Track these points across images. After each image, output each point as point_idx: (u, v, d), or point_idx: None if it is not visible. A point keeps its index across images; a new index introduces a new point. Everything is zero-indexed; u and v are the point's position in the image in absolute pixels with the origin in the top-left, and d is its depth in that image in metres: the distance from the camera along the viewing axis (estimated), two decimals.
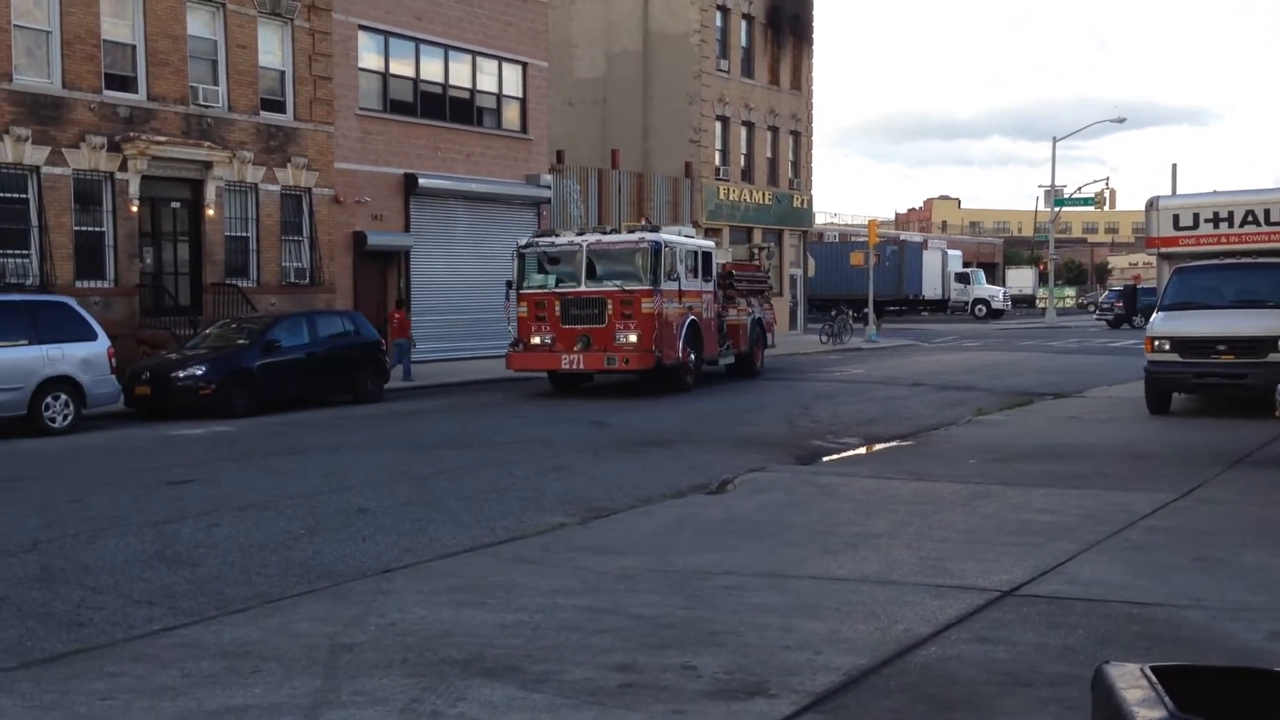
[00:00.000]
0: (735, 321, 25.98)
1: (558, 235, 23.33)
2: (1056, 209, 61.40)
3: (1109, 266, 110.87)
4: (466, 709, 5.37)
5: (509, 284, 23.28)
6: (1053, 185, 59.87)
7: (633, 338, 21.55)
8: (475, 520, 10.20)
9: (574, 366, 21.86)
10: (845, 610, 6.96)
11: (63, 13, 22.69)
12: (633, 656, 6.11)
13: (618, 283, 21.82)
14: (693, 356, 23.09)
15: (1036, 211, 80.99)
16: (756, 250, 33.89)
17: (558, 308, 22.04)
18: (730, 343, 25.68)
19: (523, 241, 23.36)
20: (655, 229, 23.35)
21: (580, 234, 23.02)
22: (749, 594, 7.38)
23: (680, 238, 23.63)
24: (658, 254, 21.90)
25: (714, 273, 24.68)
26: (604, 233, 23.04)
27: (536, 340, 22.17)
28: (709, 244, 25.61)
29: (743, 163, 43.14)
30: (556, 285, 22.32)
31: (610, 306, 21.75)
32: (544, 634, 6.54)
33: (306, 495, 11.57)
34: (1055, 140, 59.47)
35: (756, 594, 7.38)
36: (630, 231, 23.11)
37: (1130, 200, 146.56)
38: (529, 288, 22.51)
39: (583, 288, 22.06)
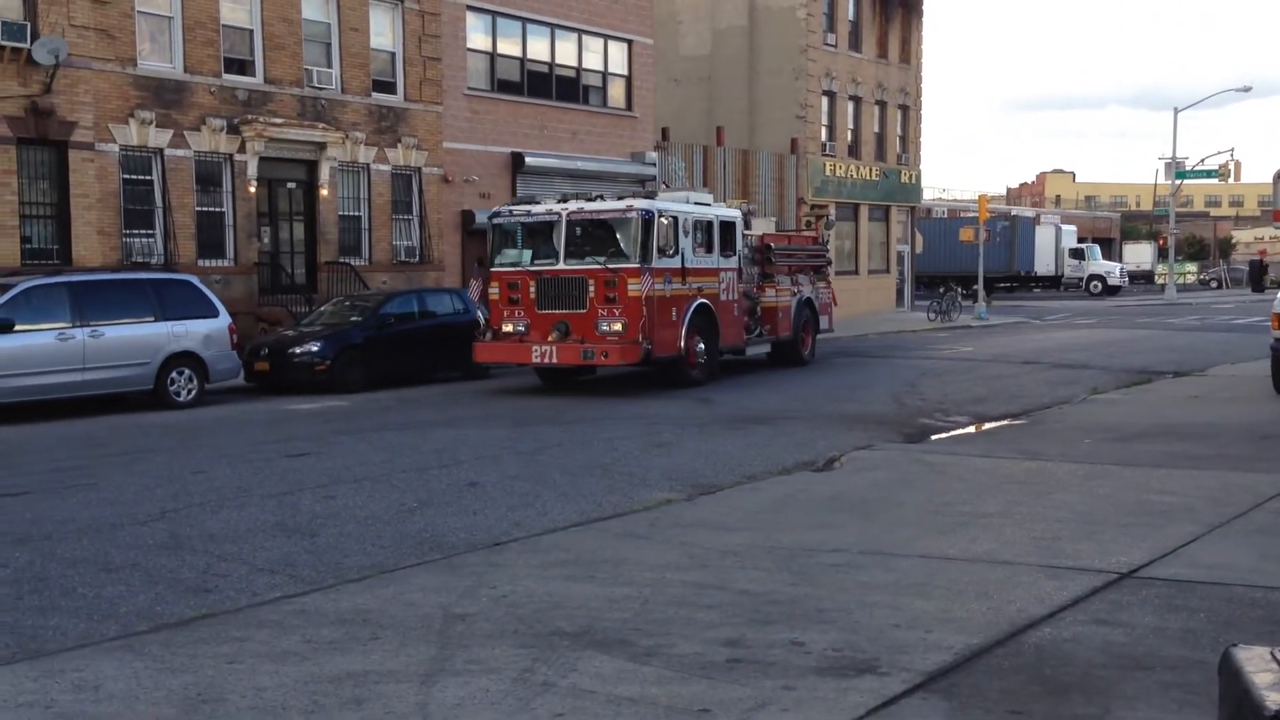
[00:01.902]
0: (773, 304, 22.68)
1: (536, 203, 19.78)
2: (1177, 181, 59.46)
3: (1233, 241, 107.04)
4: (577, 680, 5.45)
5: (479, 261, 20.28)
6: (1174, 157, 57.98)
7: (618, 326, 18.17)
8: (582, 495, 10.30)
9: (546, 360, 18.58)
10: (956, 589, 6.87)
11: None
12: (741, 632, 6.12)
13: (601, 260, 18.45)
14: (701, 346, 19.71)
15: (1156, 185, 78.62)
16: (813, 219, 29.73)
17: (533, 289, 18.80)
18: (766, 328, 22.43)
19: (496, 210, 20.33)
20: (651, 195, 19.88)
21: (563, 201, 19.40)
22: (857, 572, 7.34)
23: (687, 205, 20.01)
24: (649, 225, 18.42)
25: (738, 246, 21.11)
26: (589, 200, 19.32)
27: (508, 328, 18.99)
28: (731, 212, 21.60)
29: (849, 138, 42.60)
30: (532, 263, 19.00)
31: (592, 288, 18.37)
32: (652, 608, 6.59)
33: (418, 469, 11.79)
34: (1177, 111, 57.70)
35: (865, 572, 7.34)
36: (620, 199, 19.49)
37: (1256, 172, 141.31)
38: (501, 265, 19.25)
39: (561, 266, 18.66)
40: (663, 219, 18.69)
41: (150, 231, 23.12)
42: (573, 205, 18.97)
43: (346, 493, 10.53)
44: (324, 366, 19.71)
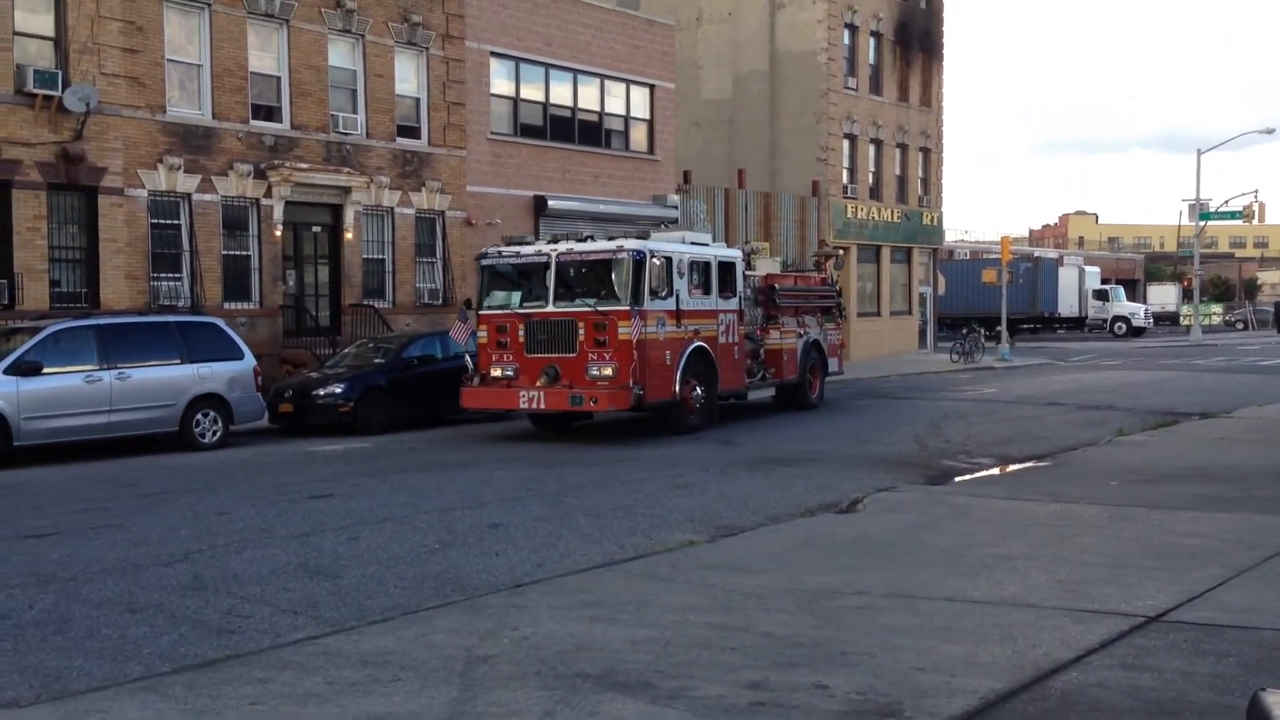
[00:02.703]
0: (777, 346, 22.03)
1: (526, 243, 19.28)
2: (1201, 223, 59.22)
3: (1258, 282, 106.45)
4: None
5: (467, 303, 19.98)
6: (1197, 199, 57.76)
7: (608, 371, 17.59)
8: (605, 536, 10.30)
9: (534, 406, 18.04)
10: (981, 633, 6.81)
11: (213, 47, 23.71)
12: (764, 674, 6.08)
13: (591, 302, 17.97)
14: (699, 390, 19.09)
15: (1180, 226, 78.36)
16: (822, 259, 27.95)
17: (521, 332, 18.30)
18: (770, 371, 21.84)
19: (484, 250, 19.86)
20: (643, 235, 19.09)
21: (552, 242, 18.95)
22: (881, 614, 7.29)
23: (681, 245, 19.29)
24: (640, 266, 17.80)
25: (738, 287, 20.49)
26: (579, 240, 18.87)
27: (497, 372, 18.45)
28: (731, 252, 20.98)
29: (871, 180, 42.72)
30: (521, 305, 18.58)
31: (582, 331, 17.84)
32: (675, 650, 6.55)
33: (441, 510, 11.81)
34: (1200, 152, 57.38)
35: (888, 614, 7.28)
36: (611, 239, 18.79)
37: None
38: (489, 307, 18.83)
39: (550, 308, 18.16)
40: (655, 259, 18.07)
41: (177, 275, 23.34)
42: (562, 246, 18.52)
43: (369, 534, 10.55)
44: (347, 408, 19.78)
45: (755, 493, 12.77)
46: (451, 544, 10.08)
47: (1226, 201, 59.64)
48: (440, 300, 28.03)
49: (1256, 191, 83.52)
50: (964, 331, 40.79)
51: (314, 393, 20.00)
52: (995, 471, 14.56)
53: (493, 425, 20.93)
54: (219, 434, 18.23)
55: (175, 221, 23.38)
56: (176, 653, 6.93)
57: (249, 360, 18.91)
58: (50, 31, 21.65)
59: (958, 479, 13.88)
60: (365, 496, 12.83)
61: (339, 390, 19.93)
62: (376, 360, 21.24)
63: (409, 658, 6.53)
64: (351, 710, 5.65)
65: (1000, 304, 42.23)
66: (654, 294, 18.03)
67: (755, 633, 6.89)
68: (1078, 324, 64.75)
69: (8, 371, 16.28)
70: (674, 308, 18.48)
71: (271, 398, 19.98)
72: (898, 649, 6.52)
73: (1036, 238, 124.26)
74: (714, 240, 29.86)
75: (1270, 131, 57.91)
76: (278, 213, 24.64)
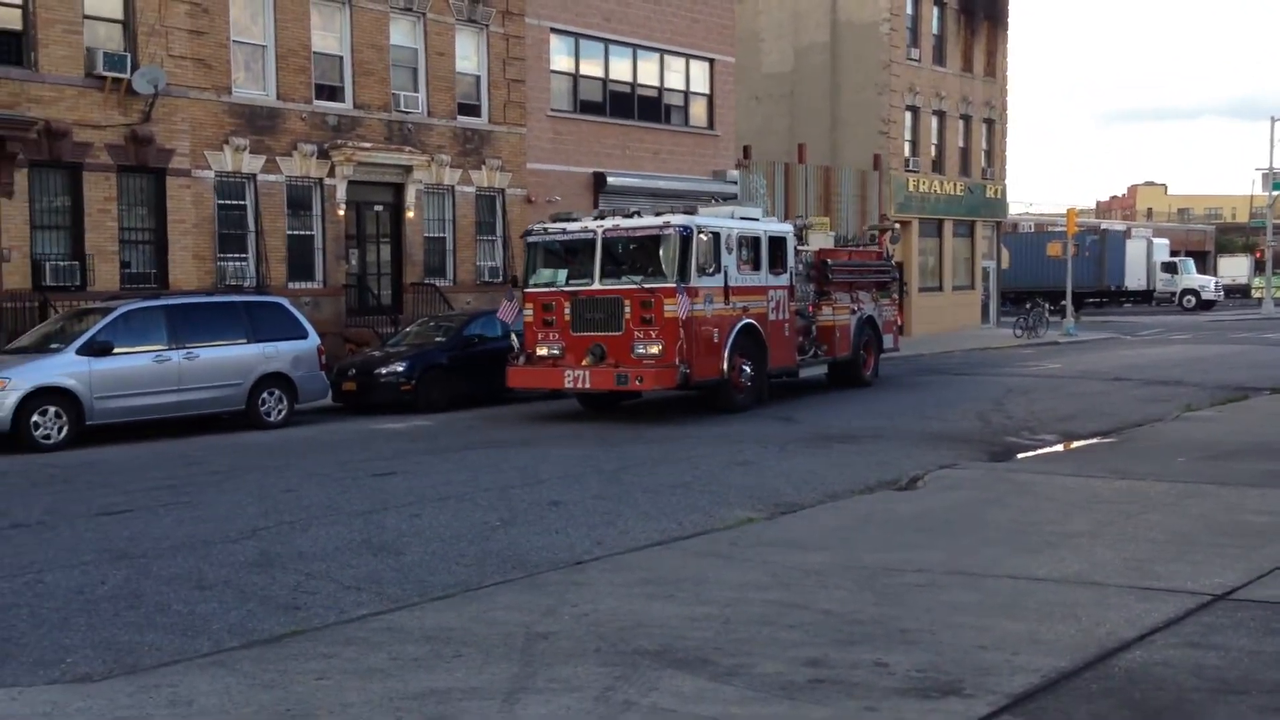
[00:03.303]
0: (830, 323, 21.76)
1: (572, 219, 19.06)
2: (1275, 192, 57.81)
3: None
4: (658, 699, 5.45)
5: (514, 281, 19.62)
6: (1270, 167, 56.42)
7: (654, 349, 17.35)
8: (663, 514, 10.32)
9: (579, 385, 17.84)
10: (1044, 611, 6.75)
11: (277, 28, 23.95)
12: (823, 651, 6.08)
13: (637, 279, 17.69)
14: (747, 369, 18.83)
15: (1252, 196, 76.53)
16: (877, 233, 27.26)
17: (567, 310, 18.08)
18: (822, 348, 21.59)
19: (530, 227, 19.67)
20: (691, 210, 18.69)
21: (598, 218, 18.70)
22: (941, 592, 7.25)
23: (730, 220, 19.09)
24: (687, 242, 17.54)
25: (789, 263, 20.11)
26: (625, 216, 18.54)
27: (543, 351, 18.28)
28: (782, 227, 20.76)
29: (933, 153, 42.18)
30: (567, 283, 18.30)
31: (628, 309, 17.59)
32: (733, 627, 6.57)
33: (501, 488, 11.89)
34: (1274, 120, 56.05)
35: (949, 592, 7.24)
36: (658, 215, 18.38)
37: None
38: (536, 285, 18.62)
39: (596, 286, 17.92)
40: (702, 235, 17.77)
41: (243, 255, 23.69)
42: (609, 222, 18.27)
43: (431, 511, 10.66)
44: (409, 386, 19.97)
45: (814, 469, 12.72)
46: (512, 521, 10.15)
47: None
48: (500, 278, 28.17)
49: None
50: (1028, 306, 40.24)
51: (376, 371, 20.21)
52: (1059, 448, 14.41)
53: (551, 403, 21.03)
54: (284, 412, 18.49)
55: (241, 202, 23.71)
56: (244, 628, 7.07)
57: (313, 339, 19.13)
58: (119, 14, 21.99)
59: (1021, 455, 13.74)
60: (427, 474, 12.96)
61: (401, 369, 20.12)
62: (437, 339, 21.39)
63: (470, 634, 6.60)
64: (414, 685, 5.74)
65: (1065, 278, 41.57)
66: (701, 270, 17.76)
67: (814, 610, 6.89)
68: (1145, 297, 63.54)
69: (80, 352, 16.63)
70: (722, 284, 18.20)
71: (335, 376, 20.22)
72: (959, 626, 6.49)
73: (1103, 210, 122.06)
74: (774, 215, 29.64)
75: None
76: (341, 192, 24.89)
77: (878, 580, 7.58)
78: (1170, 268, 63.62)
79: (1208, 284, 64.53)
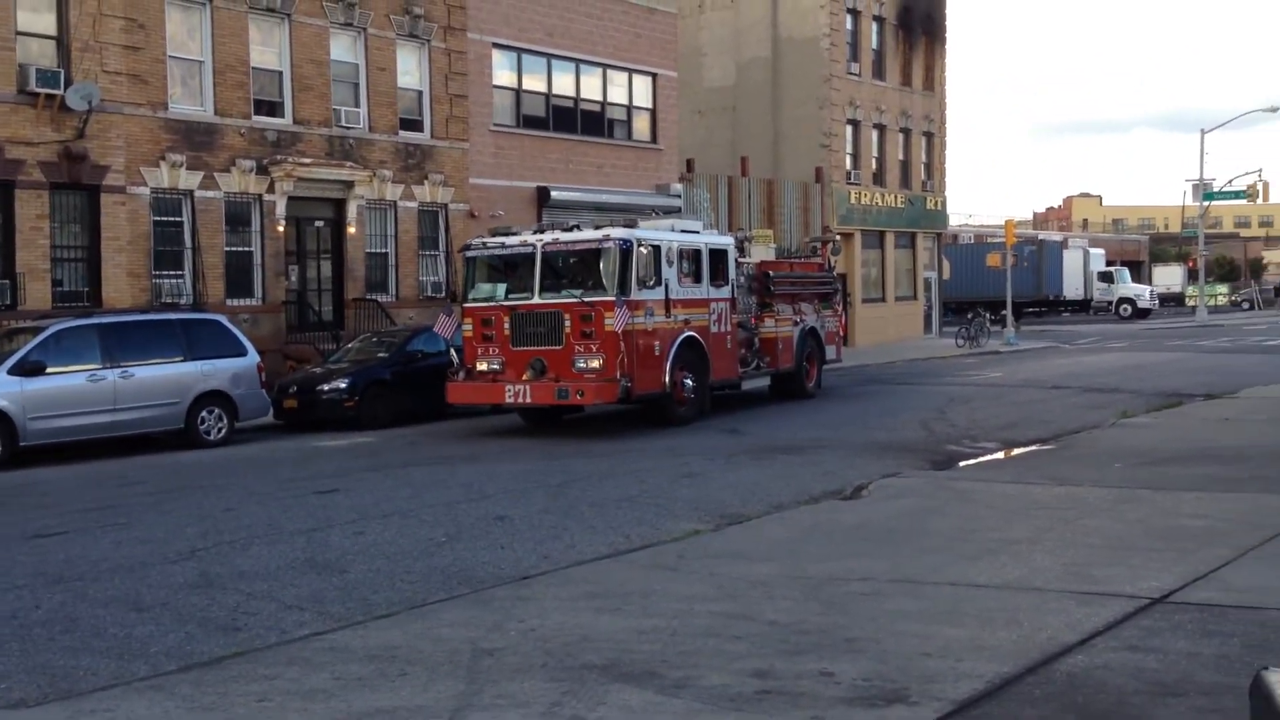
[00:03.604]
0: (772, 334, 21.81)
1: (512, 233, 19.06)
2: (1205, 203, 59.10)
3: (1264, 262, 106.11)
4: (606, 713, 5.43)
5: (452, 296, 19.48)
6: (1201, 178, 57.64)
7: (595, 363, 17.33)
8: (609, 528, 10.30)
9: (519, 400, 17.82)
10: (986, 617, 6.82)
11: (215, 43, 23.70)
12: (770, 662, 6.09)
13: (577, 293, 17.71)
14: (689, 382, 18.79)
15: (1184, 206, 78.08)
16: (818, 245, 27.32)
17: (507, 325, 18.03)
18: (765, 360, 21.60)
19: (468, 242, 19.66)
20: (631, 223, 18.62)
21: (538, 232, 18.84)
22: (886, 600, 7.30)
23: (671, 233, 19.06)
24: (627, 255, 17.51)
25: (731, 275, 20.17)
26: (565, 230, 18.59)
27: (483, 366, 18.22)
28: (722, 239, 20.76)
29: (874, 166, 42.62)
30: (506, 297, 18.26)
31: (568, 323, 17.56)
32: (681, 640, 6.56)
33: (446, 503, 11.83)
34: (1204, 132, 57.31)
35: (893, 600, 7.29)
36: (598, 228, 18.42)
37: None
38: (475, 300, 18.56)
39: (535, 300, 17.87)
40: (642, 248, 17.76)
41: (180, 272, 23.36)
42: (548, 236, 18.31)
43: (375, 528, 10.57)
44: (352, 403, 19.81)
45: (759, 481, 12.77)
46: (457, 537, 10.09)
47: (1231, 181, 59.56)
48: (443, 293, 28.02)
49: (1260, 170, 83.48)
50: (969, 316, 40.74)
51: (318, 388, 20.03)
52: (1000, 456, 14.56)
53: (496, 419, 20.94)
54: (224, 431, 18.26)
55: (178, 219, 23.39)
56: (183, 650, 6.94)
57: (252, 356, 18.93)
58: (52, 30, 21.65)
59: (963, 464, 13.89)
60: (370, 491, 12.85)
61: (343, 385, 19.95)
62: (380, 355, 21.25)
63: (416, 651, 6.54)
64: (358, 705, 5.67)
65: (1005, 288, 42.18)
66: (642, 283, 17.75)
67: (761, 621, 6.90)
68: (1083, 306, 64.59)
69: (11, 372, 16.32)
70: (663, 297, 18.21)
71: (276, 394, 20.01)
72: (903, 634, 6.53)
73: (1040, 221, 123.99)
74: (717, 228, 29.76)
75: (1275, 110, 57.80)
76: (280, 208, 24.65)
77: (823, 590, 7.61)
78: (1106, 277, 64.73)
79: (1143, 293, 65.73)
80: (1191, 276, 71.66)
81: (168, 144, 22.98)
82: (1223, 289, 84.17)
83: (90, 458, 16.80)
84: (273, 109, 24.82)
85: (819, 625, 6.77)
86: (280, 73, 24.92)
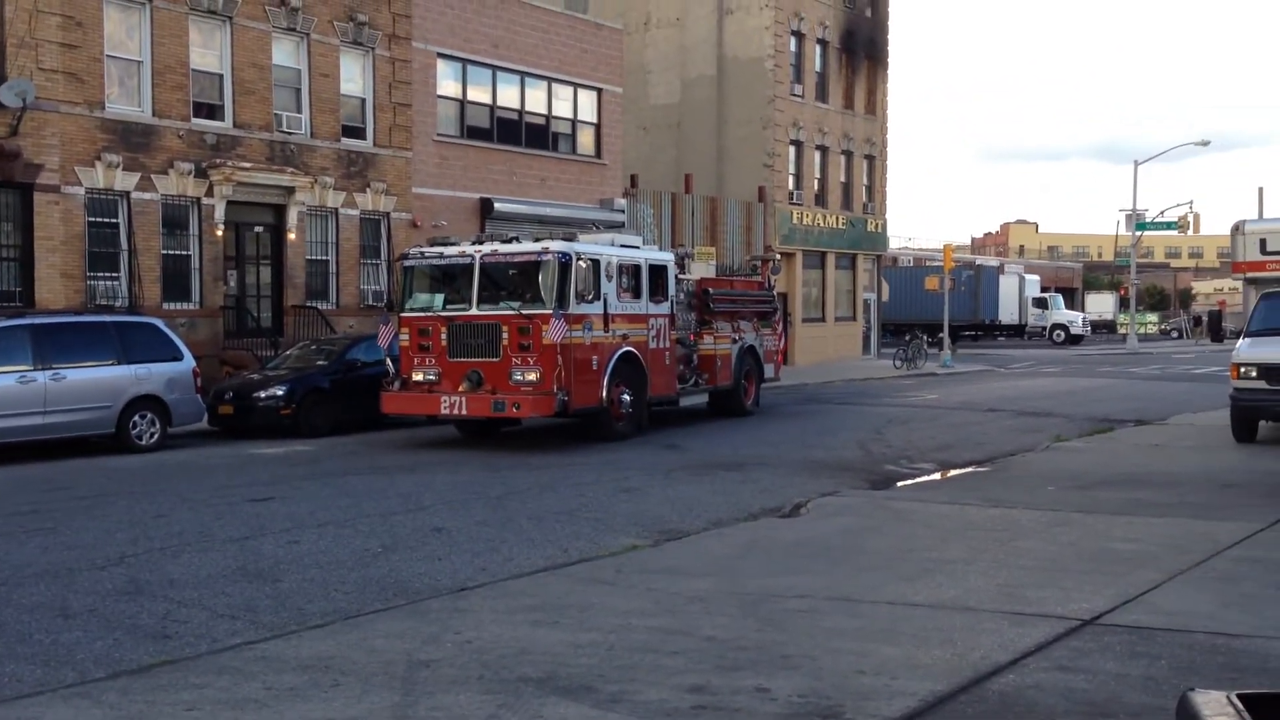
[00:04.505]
0: (711, 351, 21.87)
1: (450, 244, 19.01)
2: (1138, 233, 60.26)
3: (1193, 292, 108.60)
4: None
5: (389, 305, 19.71)
6: (1134, 209, 58.76)
7: (532, 376, 17.33)
8: (548, 541, 10.29)
9: (455, 411, 17.76)
10: (921, 636, 6.89)
11: (154, 43, 23.38)
12: (706, 678, 6.11)
13: (515, 305, 17.76)
14: (627, 397, 18.77)
15: (1117, 236, 79.67)
16: (759, 263, 27.20)
17: (444, 336, 18.03)
18: (703, 377, 21.66)
19: (406, 251, 19.70)
20: (570, 237, 18.73)
21: (477, 243, 18.72)
22: (822, 618, 7.35)
23: (610, 248, 19.15)
24: (566, 268, 17.53)
25: (670, 291, 20.23)
26: (504, 241, 18.61)
27: (419, 376, 18.15)
28: (662, 255, 20.89)
29: (816, 187, 43.02)
30: (444, 308, 18.31)
31: (505, 335, 17.58)
32: (618, 654, 6.57)
33: (383, 514, 11.75)
34: (1137, 164, 58.41)
35: (830, 618, 7.34)
36: (537, 241, 18.53)
37: (1215, 225, 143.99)
38: (412, 310, 18.57)
39: (473, 311, 17.88)
40: (581, 262, 17.76)
41: (115, 274, 22.98)
42: (486, 247, 18.24)
43: (310, 538, 10.47)
44: (289, 410, 19.60)
45: (699, 497, 12.81)
46: (393, 548, 10.02)
47: (1163, 212, 60.72)
48: (384, 302, 27.80)
49: (1191, 203, 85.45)
50: (907, 338, 41.20)
51: (255, 394, 19.79)
52: (936, 476, 14.74)
53: (436, 429, 20.80)
54: (157, 436, 17.98)
55: (113, 220, 23.01)
56: (111, 658, 6.82)
57: (188, 361, 18.66)
58: None
59: (900, 484, 14.03)
60: (306, 500, 12.72)
61: (280, 392, 19.73)
62: (319, 362, 21.05)
63: (349, 662, 6.48)
64: (290, 716, 5.60)
65: (943, 311, 42.72)
66: (580, 297, 17.75)
67: (698, 636, 6.92)
68: (1018, 331, 65.64)
69: None
70: (602, 311, 18.24)
71: (211, 399, 19.74)
72: (839, 652, 6.59)
73: (978, 246, 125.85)
74: (660, 245, 29.81)
75: (1205, 144, 59.14)
76: (219, 212, 24.34)
77: (760, 606, 7.65)
78: (1041, 303, 65.86)
79: (1076, 320, 66.95)
80: (1123, 305, 73.07)
81: (104, 144, 22.61)
82: (1153, 318, 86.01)
83: (18, 461, 16.44)
84: (212, 112, 24.53)
85: (756, 642, 6.81)
86: (221, 76, 24.64)
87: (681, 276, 21.69)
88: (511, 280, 18.25)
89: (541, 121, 32.04)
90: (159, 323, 19.09)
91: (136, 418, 17.77)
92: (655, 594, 8.01)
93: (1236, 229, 19.17)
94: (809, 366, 39.13)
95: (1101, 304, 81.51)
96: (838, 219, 43.75)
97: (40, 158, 21.68)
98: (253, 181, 24.73)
